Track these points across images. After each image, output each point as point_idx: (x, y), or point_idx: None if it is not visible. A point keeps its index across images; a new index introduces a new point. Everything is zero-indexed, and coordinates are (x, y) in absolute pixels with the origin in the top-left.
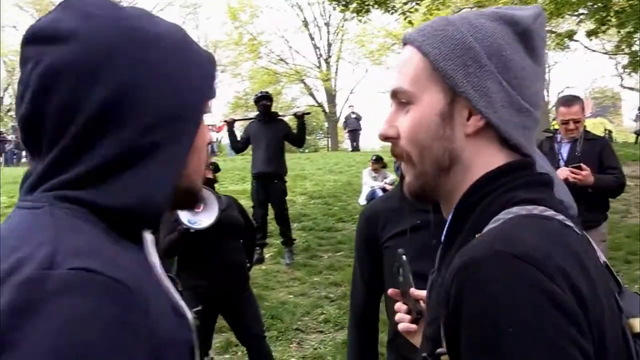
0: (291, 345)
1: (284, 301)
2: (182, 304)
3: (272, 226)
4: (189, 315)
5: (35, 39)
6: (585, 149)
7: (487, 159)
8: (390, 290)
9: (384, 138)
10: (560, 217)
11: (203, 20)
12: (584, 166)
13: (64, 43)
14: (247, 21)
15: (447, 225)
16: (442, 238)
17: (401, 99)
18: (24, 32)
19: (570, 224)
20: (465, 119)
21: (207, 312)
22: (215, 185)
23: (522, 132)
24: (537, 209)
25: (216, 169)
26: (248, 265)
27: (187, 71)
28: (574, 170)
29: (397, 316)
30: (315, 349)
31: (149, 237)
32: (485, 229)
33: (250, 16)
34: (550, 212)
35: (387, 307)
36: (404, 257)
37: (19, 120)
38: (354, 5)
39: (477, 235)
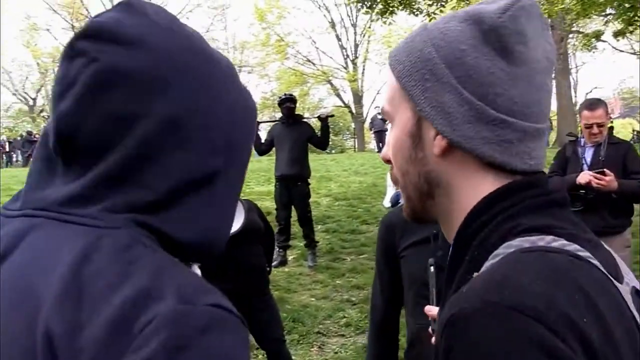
0: (312, 349)
1: (306, 304)
2: None
3: (296, 228)
4: None
5: (96, 35)
6: (609, 153)
7: (470, 181)
8: (426, 308)
9: (385, 161)
10: (572, 247)
11: (231, 21)
12: (607, 171)
13: (129, 46)
14: (275, 22)
15: (448, 258)
16: (446, 269)
17: (387, 120)
18: (81, 27)
19: (585, 254)
20: (432, 139)
21: None
22: None
23: (499, 147)
24: (543, 240)
25: None
26: (267, 269)
27: (240, 97)
28: (598, 175)
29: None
30: (337, 352)
31: (197, 271)
32: (484, 267)
33: (278, 17)
34: (559, 243)
35: (406, 314)
36: (431, 268)
37: (56, 118)
38: (379, 7)
39: (474, 275)
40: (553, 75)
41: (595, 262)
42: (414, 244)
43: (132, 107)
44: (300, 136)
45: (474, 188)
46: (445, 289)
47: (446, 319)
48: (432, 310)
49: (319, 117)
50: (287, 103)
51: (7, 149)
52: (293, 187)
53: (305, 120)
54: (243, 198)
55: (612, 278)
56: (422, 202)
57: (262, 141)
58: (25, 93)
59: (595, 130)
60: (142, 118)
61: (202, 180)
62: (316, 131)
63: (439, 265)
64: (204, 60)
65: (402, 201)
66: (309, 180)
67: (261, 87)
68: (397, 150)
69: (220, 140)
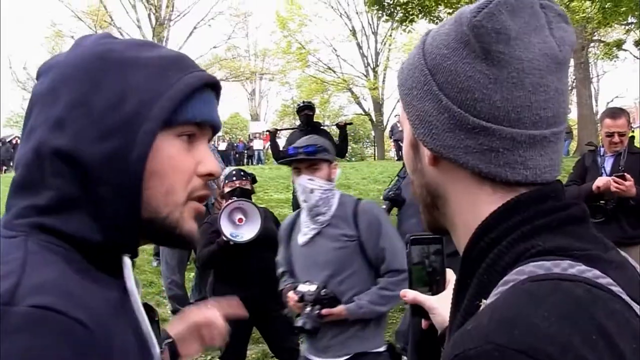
0: None
1: None
2: (151, 337)
3: None
4: (156, 350)
5: (36, 77)
6: (629, 163)
7: (466, 192)
8: (403, 292)
9: None
10: (592, 273)
11: (252, 29)
12: (628, 176)
13: (44, 75)
14: (296, 30)
15: (456, 279)
16: (454, 291)
17: None
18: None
19: (606, 280)
20: (424, 148)
21: (241, 324)
22: (253, 195)
23: (484, 156)
24: (559, 266)
25: (254, 180)
26: None
27: (119, 96)
28: (617, 179)
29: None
30: None
31: (128, 262)
32: (492, 294)
33: (299, 25)
34: (576, 269)
35: None
36: (406, 245)
37: None
38: (399, 15)
39: (482, 302)
40: (573, 83)
41: (617, 289)
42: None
43: (34, 121)
44: None
45: (471, 200)
46: (452, 313)
47: None
48: (407, 294)
49: (337, 125)
50: (306, 110)
51: None
52: None
53: (323, 128)
54: (260, 206)
55: (636, 305)
56: (430, 214)
57: (281, 148)
58: None
59: (616, 139)
60: (38, 127)
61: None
62: (334, 139)
63: (417, 240)
64: (95, 64)
65: None
66: None
67: (282, 94)
68: (405, 160)
69: (97, 132)
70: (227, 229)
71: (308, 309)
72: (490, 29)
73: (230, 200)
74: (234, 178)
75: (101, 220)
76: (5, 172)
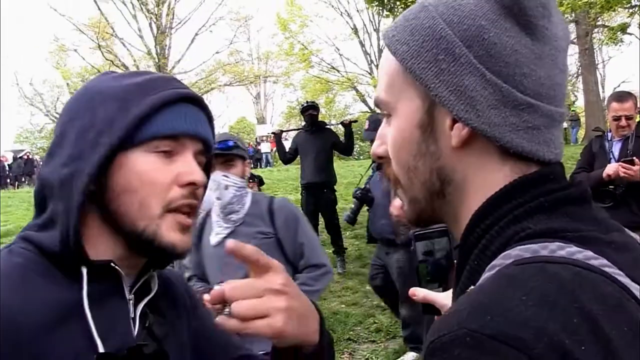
0: (343, 356)
1: (336, 311)
2: (98, 342)
3: (325, 235)
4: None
5: None
6: (637, 147)
7: (485, 175)
8: (412, 290)
9: (376, 157)
10: (583, 254)
11: (254, 32)
12: (637, 160)
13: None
14: (298, 31)
15: (455, 270)
16: (454, 280)
17: (383, 110)
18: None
19: (599, 261)
20: (449, 129)
21: None
22: None
23: (527, 134)
24: (546, 248)
25: (260, 182)
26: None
27: (91, 119)
28: (625, 165)
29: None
30: (367, 359)
31: (84, 271)
32: (480, 280)
33: (300, 26)
34: (566, 251)
35: None
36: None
37: None
38: (400, 10)
39: (471, 288)
40: (579, 70)
41: (613, 270)
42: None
43: None
44: (325, 143)
45: (488, 184)
46: (453, 301)
47: (426, 347)
48: (416, 292)
49: (342, 123)
50: (310, 110)
51: None
52: (319, 194)
53: (328, 127)
54: None
55: (636, 287)
56: (431, 202)
57: (287, 150)
58: (57, 113)
59: (623, 122)
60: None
61: (57, 195)
62: (340, 137)
63: (422, 236)
64: (75, 97)
65: (403, 205)
66: (334, 187)
67: (287, 96)
68: (399, 144)
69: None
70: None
71: (227, 310)
72: (538, 2)
73: None
74: None
75: (58, 231)
76: (18, 188)
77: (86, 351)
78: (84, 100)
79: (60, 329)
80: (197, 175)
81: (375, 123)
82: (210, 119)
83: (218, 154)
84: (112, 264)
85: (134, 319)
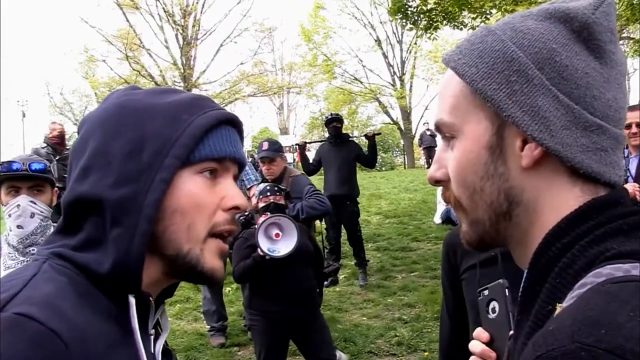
0: None
1: (357, 323)
2: None
3: (347, 247)
4: None
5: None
6: None
7: (556, 196)
8: (477, 332)
9: (433, 182)
10: None
11: (278, 44)
12: None
13: (80, 128)
14: (321, 42)
15: (522, 285)
16: (519, 295)
17: (445, 133)
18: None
19: None
20: (519, 149)
21: (278, 337)
22: (287, 210)
23: (596, 155)
24: (637, 268)
25: (287, 195)
26: (318, 291)
27: (138, 136)
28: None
29: None
30: None
31: (132, 301)
32: (568, 297)
33: (324, 37)
34: None
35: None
36: (506, 291)
37: None
38: (423, 22)
39: (557, 306)
40: None
41: None
42: (474, 266)
43: (71, 174)
44: (348, 155)
45: (559, 204)
46: (518, 321)
47: None
48: (481, 335)
49: (365, 136)
50: (334, 123)
51: None
52: (342, 206)
53: (352, 139)
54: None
55: None
56: (496, 225)
57: (310, 161)
58: None
59: (634, 129)
60: (72, 178)
61: (113, 219)
62: (363, 149)
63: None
64: (114, 114)
65: (462, 227)
66: (357, 199)
67: (310, 107)
68: (464, 166)
69: (118, 176)
70: (264, 244)
71: None
72: (606, 27)
73: (266, 216)
74: (268, 193)
75: (112, 256)
76: None
77: None
78: (123, 115)
79: (113, 354)
80: (241, 199)
81: (274, 145)
82: (242, 139)
83: (25, 177)
84: (150, 297)
85: (153, 355)
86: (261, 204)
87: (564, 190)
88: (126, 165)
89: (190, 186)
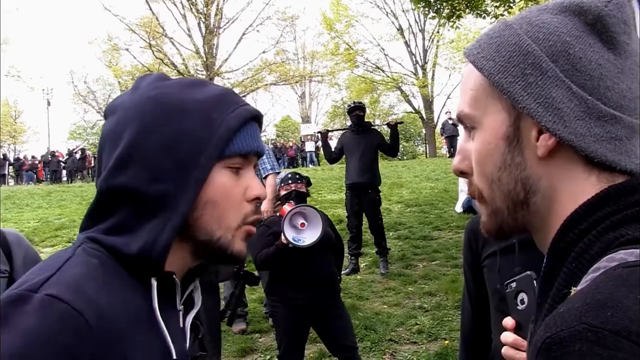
0: (384, 357)
1: (378, 311)
2: (172, 349)
3: (368, 235)
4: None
5: (104, 116)
6: None
7: (572, 184)
8: (505, 321)
9: (458, 173)
10: None
11: (300, 32)
12: None
13: (111, 115)
14: (343, 31)
15: (542, 270)
16: (539, 280)
17: (466, 124)
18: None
19: None
20: (535, 140)
21: (299, 324)
22: (309, 198)
23: (610, 144)
24: None
25: (308, 182)
26: (338, 278)
27: (175, 130)
28: None
29: (505, 351)
30: None
31: (154, 283)
32: (582, 281)
33: (346, 26)
34: None
35: (493, 325)
36: (535, 282)
37: None
38: (446, 11)
39: (572, 289)
40: None
41: None
42: (494, 253)
43: (105, 160)
44: (370, 143)
45: (576, 192)
46: (538, 304)
47: (541, 342)
48: (510, 325)
49: (388, 124)
50: (357, 111)
51: (94, 164)
52: (364, 195)
53: (374, 127)
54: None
55: None
56: (514, 213)
57: (332, 149)
58: None
59: None
60: (107, 166)
61: (147, 207)
62: (386, 138)
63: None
64: (151, 107)
65: (482, 218)
66: (379, 187)
67: (332, 95)
68: (484, 157)
69: (155, 171)
70: (289, 233)
71: None
72: (620, 19)
73: (292, 205)
74: (290, 181)
75: (142, 241)
76: (71, 182)
77: (160, 358)
78: (159, 110)
79: (138, 332)
80: (261, 189)
81: None
82: (261, 131)
83: None
84: (173, 276)
85: (182, 329)
86: (282, 192)
87: (580, 179)
88: (164, 162)
89: (222, 179)
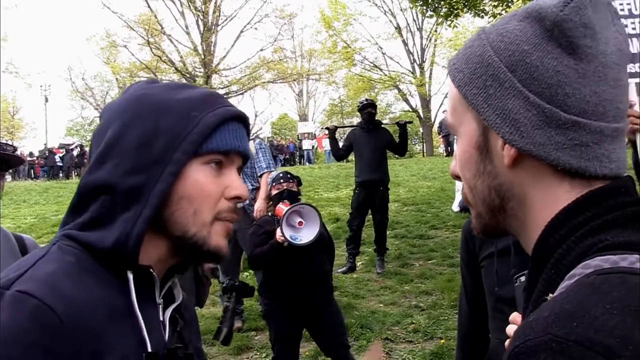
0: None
1: (374, 310)
2: (147, 343)
3: (365, 234)
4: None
5: (99, 119)
6: None
7: (544, 191)
8: (514, 316)
9: (454, 176)
10: None
11: (298, 30)
12: None
13: (101, 118)
14: (341, 29)
15: (526, 277)
16: (525, 288)
17: (453, 134)
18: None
19: None
20: (501, 149)
21: (292, 323)
22: (303, 195)
23: (574, 151)
24: (626, 260)
25: (299, 182)
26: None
27: (151, 126)
28: None
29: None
30: (404, 359)
31: (130, 276)
32: (559, 288)
33: (344, 24)
34: None
35: (490, 324)
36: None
37: None
38: (444, 10)
39: (549, 296)
40: None
41: None
42: (492, 255)
43: (90, 159)
44: (380, 142)
45: (550, 198)
46: (523, 309)
47: (510, 351)
48: (517, 319)
49: (397, 124)
50: (369, 108)
51: None
52: (375, 192)
53: (384, 126)
54: (312, 204)
55: None
56: (494, 217)
57: (340, 146)
58: None
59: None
60: (90, 164)
61: (120, 201)
62: (394, 137)
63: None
64: (132, 106)
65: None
66: (388, 185)
67: (329, 93)
68: (463, 164)
69: (130, 165)
70: (287, 231)
71: None
72: (578, 23)
73: (286, 204)
74: (282, 180)
75: (115, 234)
76: (68, 179)
77: (135, 350)
78: (140, 109)
79: (114, 327)
80: (243, 190)
81: None
82: (249, 134)
83: None
84: (150, 269)
85: (162, 322)
86: (274, 191)
87: (552, 186)
88: (139, 156)
89: (198, 175)
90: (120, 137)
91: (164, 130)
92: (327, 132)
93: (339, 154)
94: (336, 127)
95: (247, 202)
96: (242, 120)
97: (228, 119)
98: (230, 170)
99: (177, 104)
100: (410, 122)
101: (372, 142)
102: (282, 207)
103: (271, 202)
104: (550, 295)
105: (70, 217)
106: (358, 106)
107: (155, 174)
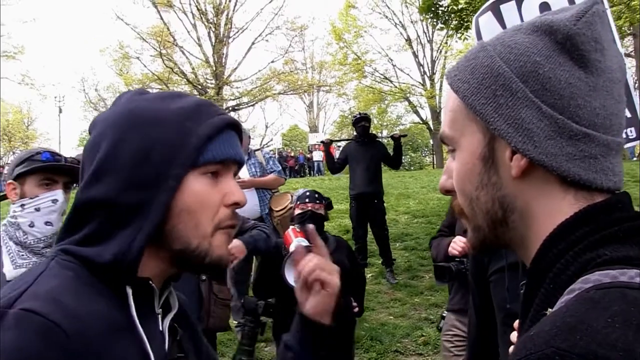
0: None
1: (384, 322)
2: (151, 356)
3: (375, 246)
4: None
5: (89, 133)
6: None
7: (549, 203)
8: (517, 323)
9: (444, 191)
10: None
11: (309, 42)
12: None
13: (92, 130)
14: (352, 41)
15: (523, 291)
16: (521, 302)
17: (448, 145)
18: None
19: None
20: (509, 160)
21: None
22: (327, 223)
23: (584, 163)
24: (625, 275)
25: (329, 205)
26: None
27: (148, 142)
28: None
29: None
30: None
31: (129, 292)
32: (558, 303)
33: (355, 36)
34: None
35: (500, 338)
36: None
37: None
38: (454, 22)
39: (548, 311)
40: (636, 84)
41: None
42: (501, 269)
43: (84, 174)
44: (375, 155)
45: (553, 211)
46: (520, 323)
47: None
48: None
49: (392, 137)
50: (362, 122)
51: None
52: (369, 205)
53: (379, 139)
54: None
55: None
56: (494, 231)
57: (336, 160)
58: None
59: None
60: (84, 180)
61: (119, 219)
62: (389, 150)
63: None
64: (124, 122)
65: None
66: (384, 198)
67: (340, 105)
68: (463, 176)
69: (128, 183)
70: (290, 276)
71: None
72: (590, 37)
73: (295, 231)
74: (307, 200)
75: (114, 250)
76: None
77: None
78: (133, 121)
79: (117, 340)
80: (240, 196)
81: None
82: (241, 140)
83: (61, 169)
84: (150, 282)
85: (161, 332)
86: (297, 211)
87: (557, 198)
88: (136, 171)
89: (196, 187)
90: (115, 152)
91: (159, 143)
92: (322, 145)
93: (334, 167)
94: (331, 141)
95: (266, 211)
96: (234, 127)
97: (222, 128)
98: (227, 178)
99: (170, 115)
100: (405, 135)
101: (367, 155)
102: (290, 235)
103: (292, 222)
104: (549, 309)
105: (66, 233)
106: (352, 120)
107: (154, 188)
